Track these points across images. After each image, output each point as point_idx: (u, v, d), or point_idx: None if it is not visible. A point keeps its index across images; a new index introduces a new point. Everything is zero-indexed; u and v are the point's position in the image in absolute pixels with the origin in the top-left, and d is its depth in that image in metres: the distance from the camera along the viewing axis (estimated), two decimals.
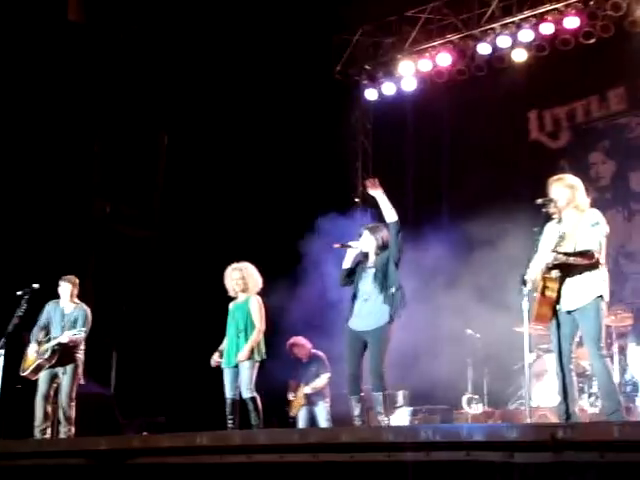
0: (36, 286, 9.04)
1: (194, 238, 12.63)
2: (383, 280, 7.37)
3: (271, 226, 12.48)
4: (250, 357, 8.13)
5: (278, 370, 10.71)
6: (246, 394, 8.09)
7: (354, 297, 7.51)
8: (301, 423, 10.05)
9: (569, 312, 6.27)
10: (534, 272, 6.41)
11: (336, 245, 7.70)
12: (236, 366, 8.18)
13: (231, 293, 8.44)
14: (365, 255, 7.59)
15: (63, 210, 12.14)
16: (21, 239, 11.59)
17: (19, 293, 9.06)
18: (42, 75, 11.94)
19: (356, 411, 7.42)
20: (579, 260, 6.20)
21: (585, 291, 6.21)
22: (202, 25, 12.90)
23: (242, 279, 8.38)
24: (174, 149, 13.01)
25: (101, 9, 12.42)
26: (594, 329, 6.15)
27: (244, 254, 12.50)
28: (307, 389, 10.01)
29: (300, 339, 10.26)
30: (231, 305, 8.46)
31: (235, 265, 8.48)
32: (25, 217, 11.74)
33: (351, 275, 7.59)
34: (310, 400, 10.07)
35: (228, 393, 8.24)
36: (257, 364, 8.20)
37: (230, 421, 8.17)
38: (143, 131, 12.79)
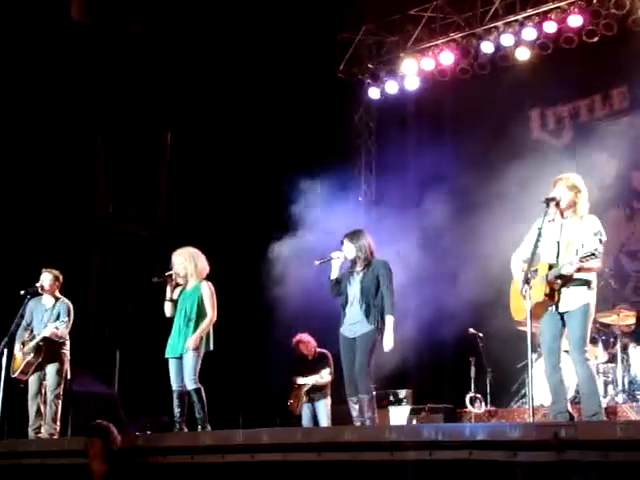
0: (39, 286, 9.03)
1: (198, 236, 12.61)
2: (369, 285, 7.47)
3: (274, 225, 12.47)
4: (197, 347, 7.86)
5: (280, 368, 10.76)
6: (190, 385, 7.86)
7: (345, 303, 7.59)
8: (304, 420, 10.02)
9: (560, 313, 6.36)
10: (518, 266, 6.60)
11: (317, 262, 7.76)
12: (181, 357, 7.95)
13: (180, 281, 8.18)
14: (353, 261, 7.64)
15: (67, 209, 12.14)
16: (25, 238, 11.58)
17: (22, 292, 9.06)
18: (46, 75, 11.95)
19: (354, 412, 7.47)
20: (584, 272, 6.27)
21: (579, 295, 6.31)
22: (206, 24, 12.92)
23: (183, 263, 8.12)
24: (178, 148, 13.01)
25: (105, 9, 12.44)
26: (581, 333, 6.26)
27: (248, 253, 12.59)
28: (307, 380, 9.96)
29: (305, 336, 10.24)
30: (176, 293, 8.16)
31: (178, 251, 8.22)
32: (29, 216, 11.74)
33: (339, 284, 7.66)
34: (311, 397, 10.03)
35: (174, 384, 7.99)
36: (201, 355, 7.95)
37: (178, 414, 7.92)
38: (147, 130, 12.81)
